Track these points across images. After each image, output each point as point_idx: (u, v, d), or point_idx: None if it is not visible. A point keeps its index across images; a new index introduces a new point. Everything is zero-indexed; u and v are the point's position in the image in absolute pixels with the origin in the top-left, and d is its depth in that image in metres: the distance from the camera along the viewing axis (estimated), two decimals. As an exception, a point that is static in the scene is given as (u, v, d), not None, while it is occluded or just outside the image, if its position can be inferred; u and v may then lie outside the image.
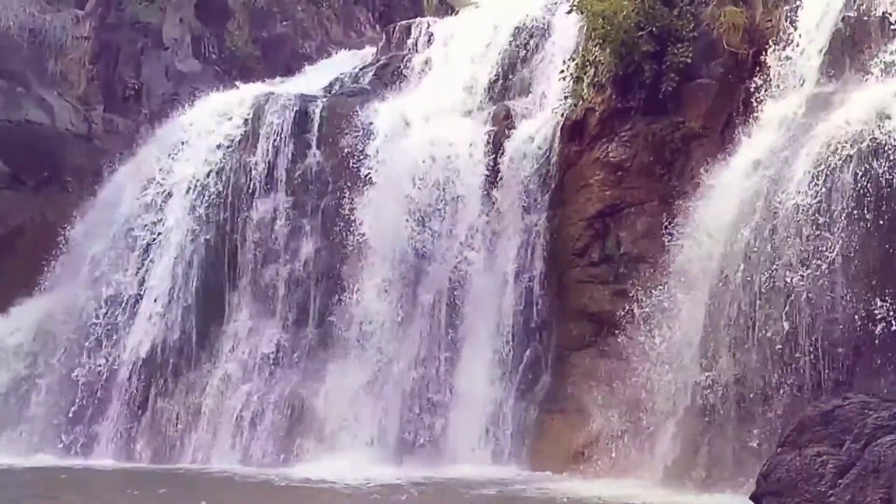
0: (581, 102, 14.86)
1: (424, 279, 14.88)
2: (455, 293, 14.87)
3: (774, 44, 13.05)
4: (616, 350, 13.36)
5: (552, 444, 13.68)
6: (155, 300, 15.73)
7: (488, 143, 15.49)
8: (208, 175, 16.28)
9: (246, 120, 16.63)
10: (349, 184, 15.55)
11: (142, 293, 15.79)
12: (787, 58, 12.69)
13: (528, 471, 13.51)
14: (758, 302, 11.12)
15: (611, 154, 14.38)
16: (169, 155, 16.70)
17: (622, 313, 13.36)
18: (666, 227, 13.10)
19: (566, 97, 15.23)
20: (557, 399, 13.98)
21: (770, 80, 12.94)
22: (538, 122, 15.56)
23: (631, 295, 13.34)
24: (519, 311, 14.61)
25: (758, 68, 13.29)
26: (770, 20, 13.58)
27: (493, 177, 15.28)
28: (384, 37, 19.31)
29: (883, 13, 12.01)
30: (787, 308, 10.89)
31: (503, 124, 15.83)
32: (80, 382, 15.35)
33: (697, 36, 13.98)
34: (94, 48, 18.94)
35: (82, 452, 14.85)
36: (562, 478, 12.88)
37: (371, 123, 16.01)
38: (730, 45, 13.75)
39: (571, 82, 15.14)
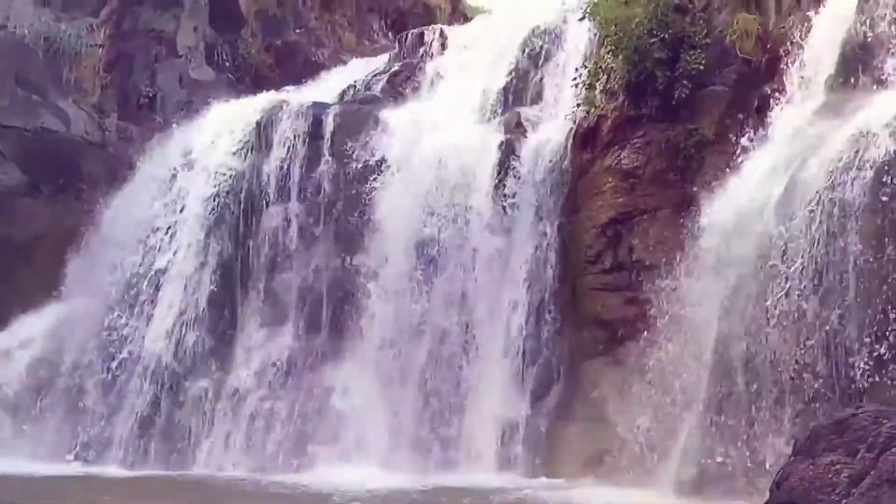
0: (594, 109, 14.87)
1: (437, 287, 14.88)
2: (468, 301, 14.86)
3: (787, 51, 13.01)
4: (629, 358, 13.33)
5: (565, 452, 13.64)
6: (168, 307, 15.77)
7: (501, 149, 15.48)
8: (221, 183, 16.32)
9: (259, 128, 16.67)
10: (362, 191, 15.58)
11: (155, 300, 15.84)
12: (800, 65, 12.64)
13: (540, 478, 13.47)
14: (771, 311, 11.06)
15: (623, 161, 14.36)
16: (182, 163, 16.77)
17: (635, 321, 13.34)
18: (679, 235, 13.06)
19: (579, 104, 15.24)
20: (570, 407, 13.95)
21: (783, 87, 12.89)
22: (551, 129, 15.57)
23: (644, 303, 13.31)
24: (532, 319, 14.59)
25: (771, 75, 13.26)
26: (783, 27, 13.55)
27: (506, 183, 15.27)
28: (397, 44, 19.36)
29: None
30: (800, 317, 10.84)
31: (516, 131, 15.83)
32: (94, 389, 15.40)
33: (710, 43, 13.97)
34: (109, 56, 19.00)
35: (95, 459, 14.87)
36: (574, 486, 12.83)
37: (384, 131, 16.04)
38: (743, 52, 13.72)
39: (584, 89, 15.16)
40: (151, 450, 14.90)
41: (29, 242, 17.53)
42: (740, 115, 13.61)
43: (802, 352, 10.75)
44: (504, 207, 15.19)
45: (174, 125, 17.84)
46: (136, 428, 15.03)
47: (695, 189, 13.45)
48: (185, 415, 15.10)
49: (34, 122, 18.08)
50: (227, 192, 16.25)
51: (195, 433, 14.95)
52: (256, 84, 19.02)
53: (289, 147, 16.45)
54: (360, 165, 15.83)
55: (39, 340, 16.12)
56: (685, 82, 13.87)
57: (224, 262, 15.89)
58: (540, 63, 16.80)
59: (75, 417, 15.25)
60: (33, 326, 16.30)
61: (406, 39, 18.99)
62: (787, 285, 10.94)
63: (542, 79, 16.67)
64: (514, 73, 16.88)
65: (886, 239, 10.50)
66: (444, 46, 18.24)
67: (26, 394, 15.62)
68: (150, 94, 19.04)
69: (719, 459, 11.29)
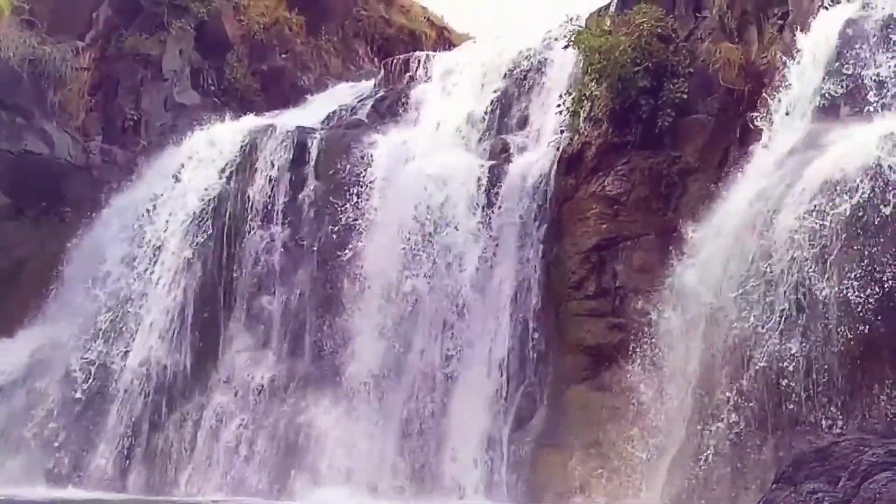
0: (578, 136, 14.96)
1: (420, 311, 14.87)
2: (451, 326, 14.85)
3: (770, 80, 13.13)
4: (612, 383, 13.35)
5: (548, 478, 13.62)
6: (150, 331, 15.71)
7: (485, 175, 15.53)
8: (205, 206, 16.31)
9: (244, 151, 16.69)
10: (346, 216, 15.58)
11: (137, 324, 15.77)
12: (783, 94, 12.75)
13: (523, 504, 13.46)
14: (754, 336, 11.10)
15: (607, 188, 14.45)
16: (166, 186, 16.76)
17: (618, 347, 13.36)
18: (662, 261, 13.12)
19: (563, 131, 15.33)
20: (553, 433, 13.93)
21: (766, 116, 12.99)
22: (535, 156, 15.64)
23: (627, 328, 13.34)
24: (515, 345, 14.59)
25: (754, 104, 13.37)
26: (766, 56, 13.70)
27: (490, 210, 15.31)
28: (382, 70, 19.42)
29: (876, 50, 12.10)
30: (783, 342, 10.88)
31: (500, 157, 15.90)
32: (75, 412, 15.30)
33: (693, 72, 14.10)
34: (94, 79, 19.00)
35: (75, 482, 14.77)
36: (557, 512, 12.83)
37: (369, 156, 16.07)
38: (726, 80, 13.86)
39: (568, 116, 15.26)
40: (132, 474, 14.81)
41: (11, 266, 17.44)
42: (723, 144, 13.74)
43: (786, 376, 10.77)
44: (488, 233, 15.21)
45: (159, 149, 17.83)
46: (117, 452, 14.94)
47: (678, 216, 13.52)
48: (165, 439, 15.02)
49: (18, 145, 18.04)
50: (212, 216, 16.23)
51: (176, 458, 14.86)
52: (242, 108, 19.03)
53: (273, 171, 16.46)
54: (344, 190, 15.84)
55: (21, 364, 16.00)
56: (669, 110, 13.99)
57: (207, 286, 15.85)
58: (524, 90, 16.89)
59: (56, 442, 15.12)
60: (15, 350, 16.19)
61: (391, 65, 19.07)
62: (770, 310, 10.98)
63: (526, 106, 16.75)
64: (498, 100, 16.95)
65: (868, 261, 10.55)
66: (429, 72, 18.31)
67: (7, 416, 15.49)
68: (135, 118, 19.02)
69: (702, 486, 11.28)
